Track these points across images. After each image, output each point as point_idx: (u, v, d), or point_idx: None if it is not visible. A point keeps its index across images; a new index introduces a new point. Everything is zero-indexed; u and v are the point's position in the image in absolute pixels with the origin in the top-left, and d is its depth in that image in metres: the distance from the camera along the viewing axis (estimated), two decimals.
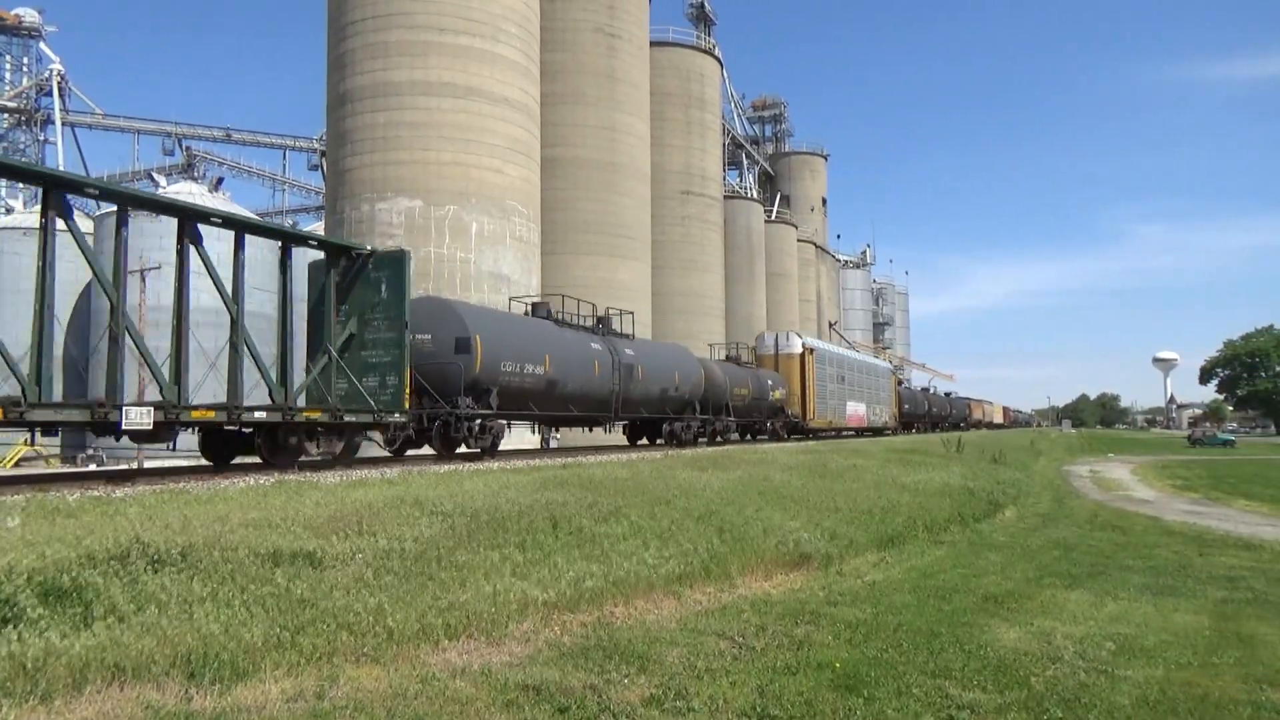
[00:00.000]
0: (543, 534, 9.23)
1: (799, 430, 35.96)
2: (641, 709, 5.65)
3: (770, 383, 32.58)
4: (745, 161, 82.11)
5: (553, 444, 30.82)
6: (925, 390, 77.71)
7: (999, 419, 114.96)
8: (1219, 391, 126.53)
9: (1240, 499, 25.99)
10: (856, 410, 43.28)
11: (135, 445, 26.62)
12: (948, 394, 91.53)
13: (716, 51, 60.58)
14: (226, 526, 7.67)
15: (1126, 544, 15.30)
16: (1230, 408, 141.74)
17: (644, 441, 25.67)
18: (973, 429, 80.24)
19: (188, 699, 5.08)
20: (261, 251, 37.02)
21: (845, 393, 41.56)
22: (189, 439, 13.18)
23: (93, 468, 26.61)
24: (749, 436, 33.26)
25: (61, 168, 58.64)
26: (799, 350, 36.28)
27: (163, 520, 7.70)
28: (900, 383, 68.09)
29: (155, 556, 6.64)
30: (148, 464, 22.39)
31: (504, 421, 17.96)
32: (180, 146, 60.66)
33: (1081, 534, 16.63)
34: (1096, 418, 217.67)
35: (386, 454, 16.47)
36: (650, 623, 7.82)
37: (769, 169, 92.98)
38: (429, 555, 7.99)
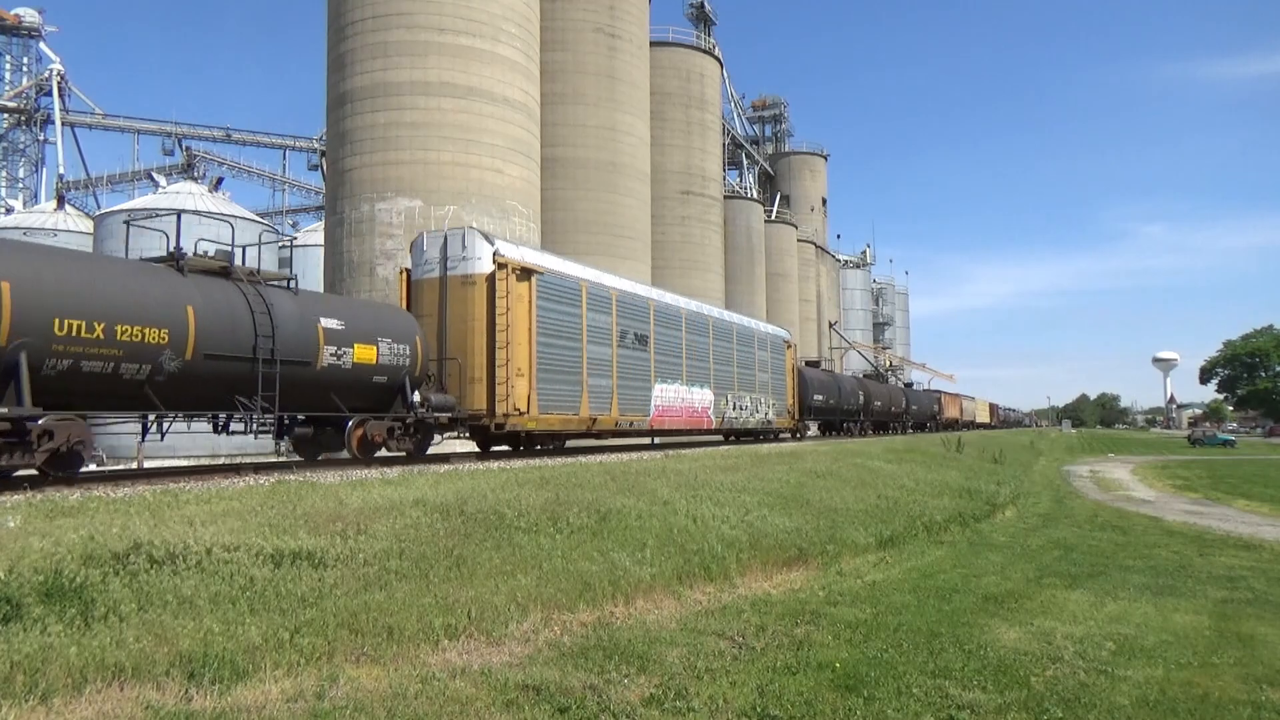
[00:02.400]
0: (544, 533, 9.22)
1: (494, 439, 18.41)
2: (641, 709, 5.65)
3: (339, 325, 13.83)
4: (745, 161, 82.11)
5: None
6: (874, 376, 59.04)
7: (984, 418, 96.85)
8: (1219, 391, 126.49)
9: (1240, 499, 25.98)
10: (687, 400, 24.06)
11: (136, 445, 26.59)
12: (909, 384, 74.02)
13: (716, 51, 60.55)
14: (226, 526, 7.68)
15: (1126, 544, 15.29)
16: (1230, 408, 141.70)
17: None
18: (946, 430, 62.73)
19: (188, 699, 5.08)
20: None
21: (646, 365, 21.95)
22: (197, 440, 12.20)
23: (93, 468, 26.60)
24: (307, 451, 15.08)
25: (61, 168, 58.73)
26: (487, 269, 16.80)
27: (163, 520, 7.70)
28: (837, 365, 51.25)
29: (155, 556, 6.64)
30: (147, 464, 22.30)
31: None
32: (180, 146, 60.62)
33: (1081, 534, 16.62)
34: (1096, 418, 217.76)
35: (387, 454, 15.53)
36: (650, 623, 7.82)
37: (769, 169, 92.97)
38: (429, 555, 7.99)
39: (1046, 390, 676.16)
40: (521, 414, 17.02)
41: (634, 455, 19.07)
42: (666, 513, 11.46)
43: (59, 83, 59.49)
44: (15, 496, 8.82)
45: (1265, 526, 18.90)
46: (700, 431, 26.45)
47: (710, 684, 6.21)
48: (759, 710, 5.74)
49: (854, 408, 43.66)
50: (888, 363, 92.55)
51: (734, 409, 27.49)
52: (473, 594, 7.31)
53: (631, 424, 21.37)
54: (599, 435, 21.49)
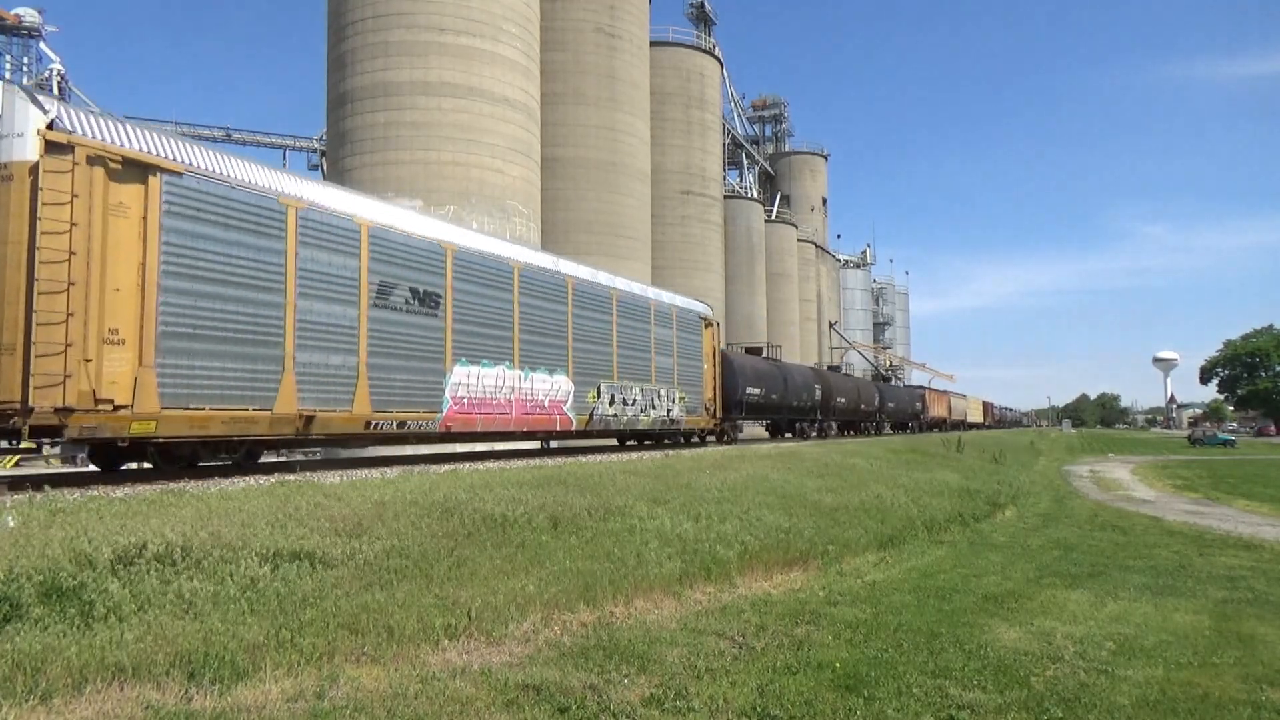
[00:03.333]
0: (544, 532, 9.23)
1: (119, 455, 11.96)
2: (641, 709, 5.65)
3: None
4: (745, 161, 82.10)
5: None
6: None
7: (976, 417, 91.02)
8: (1219, 391, 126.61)
9: (1240, 499, 25.97)
10: (521, 389, 17.02)
11: None
12: (886, 378, 69.34)
13: (716, 51, 60.57)
14: (227, 526, 7.68)
15: (1127, 544, 15.29)
16: (1230, 408, 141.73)
17: None
18: (932, 430, 57.89)
19: (188, 699, 5.08)
20: None
21: (436, 338, 14.86)
22: None
23: (93, 468, 26.57)
24: None
25: None
26: (30, 155, 9.32)
27: (163, 520, 7.70)
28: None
29: (155, 556, 6.64)
30: (147, 464, 22.20)
31: None
32: None
33: (1082, 534, 16.61)
34: (1096, 418, 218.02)
35: (385, 453, 15.10)
36: (650, 623, 7.82)
37: (769, 169, 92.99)
38: (429, 555, 8.00)
39: (1047, 390, 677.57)
40: (119, 408, 10.02)
41: (634, 455, 19.11)
42: (666, 512, 11.46)
43: (59, 83, 59.46)
44: (16, 496, 8.82)
45: (1265, 526, 18.89)
46: (552, 434, 19.21)
47: (710, 684, 6.21)
48: (759, 710, 5.74)
49: (807, 404, 35.60)
50: (888, 362, 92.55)
51: (610, 403, 20.37)
52: (473, 594, 7.32)
53: (404, 424, 14.13)
54: (343, 442, 14.95)
